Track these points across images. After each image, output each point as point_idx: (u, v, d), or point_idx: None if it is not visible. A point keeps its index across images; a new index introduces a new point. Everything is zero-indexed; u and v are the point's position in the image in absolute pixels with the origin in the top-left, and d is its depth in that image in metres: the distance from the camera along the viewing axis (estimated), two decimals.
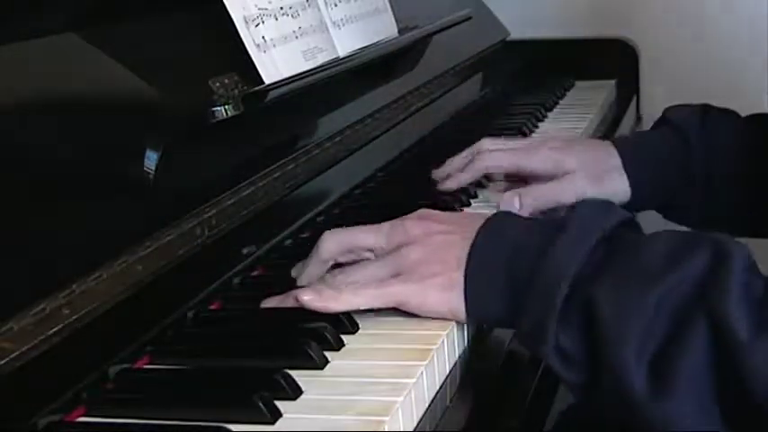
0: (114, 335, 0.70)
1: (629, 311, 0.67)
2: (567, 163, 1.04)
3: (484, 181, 1.12)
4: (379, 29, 1.22)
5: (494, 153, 1.07)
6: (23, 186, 0.69)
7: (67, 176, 0.73)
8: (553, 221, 0.75)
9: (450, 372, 0.74)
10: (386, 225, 0.81)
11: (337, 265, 0.83)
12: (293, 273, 0.84)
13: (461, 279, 0.74)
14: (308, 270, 0.82)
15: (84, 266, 0.68)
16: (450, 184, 1.07)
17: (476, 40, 1.58)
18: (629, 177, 1.05)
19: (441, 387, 0.71)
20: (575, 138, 1.18)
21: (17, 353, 0.61)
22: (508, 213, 0.81)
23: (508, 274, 0.73)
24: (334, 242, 0.82)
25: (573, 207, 0.75)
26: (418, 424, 0.67)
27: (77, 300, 0.66)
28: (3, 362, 0.60)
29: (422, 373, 0.69)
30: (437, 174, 1.10)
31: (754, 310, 0.65)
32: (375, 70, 1.18)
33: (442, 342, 0.73)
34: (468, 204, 1.06)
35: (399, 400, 0.65)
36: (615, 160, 1.06)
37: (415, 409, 0.67)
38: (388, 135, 1.18)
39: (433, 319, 0.76)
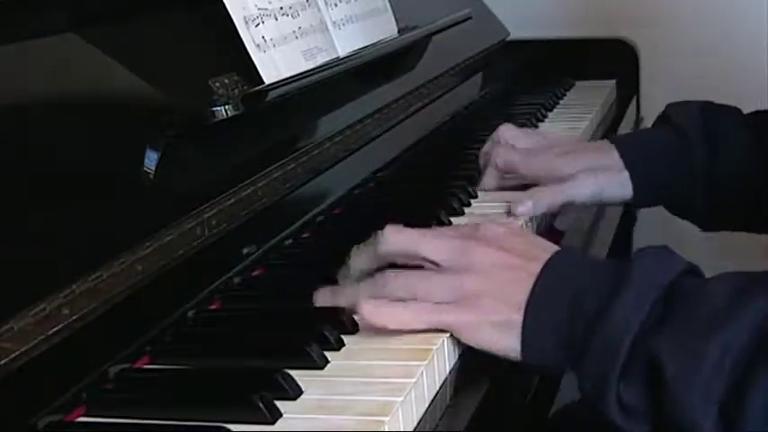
0: (114, 335, 0.70)
1: (693, 361, 0.65)
2: (566, 167, 1.06)
3: None
4: (379, 29, 1.22)
5: (503, 151, 1.10)
6: (23, 186, 0.69)
7: (67, 176, 0.73)
8: (617, 269, 0.72)
9: (450, 371, 0.74)
10: (455, 243, 0.77)
11: None
12: (349, 261, 0.81)
13: (520, 322, 0.72)
14: (359, 262, 0.80)
15: (85, 266, 0.68)
16: (482, 185, 1.11)
17: (476, 40, 1.58)
18: (631, 175, 1.07)
19: (441, 387, 0.71)
20: (577, 141, 1.19)
21: (17, 353, 0.61)
22: (571, 252, 0.78)
23: (568, 325, 0.71)
24: (396, 244, 0.78)
25: (635, 255, 0.72)
26: (418, 424, 0.67)
27: (77, 300, 0.66)
28: (3, 362, 0.60)
29: (422, 373, 0.69)
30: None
31: None
32: (375, 70, 1.18)
33: (443, 342, 0.73)
34: (468, 204, 1.06)
35: (399, 400, 0.65)
36: (616, 159, 1.07)
37: (415, 409, 0.67)
38: (388, 135, 1.18)
39: None
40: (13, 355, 0.61)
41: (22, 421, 0.61)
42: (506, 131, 1.13)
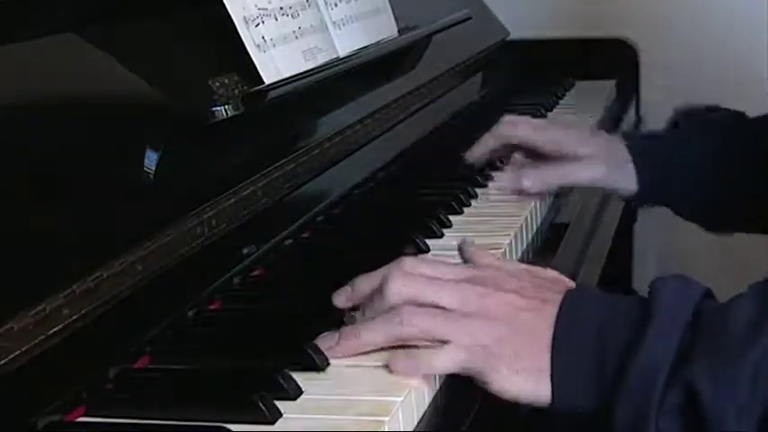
0: (114, 335, 0.70)
1: (727, 385, 0.65)
2: (577, 146, 1.07)
3: (482, 181, 1.13)
4: (379, 29, 1.22)
5: (512, 121, 1.12)
6: (24, 186, 0.69)
7: (67, 176, 0.73)
8: (638, 305, 0.71)
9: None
10: (467, 289, 0.73)
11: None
12: (339, 300, 0.76)
13: (547, 368, 0.70)
14: (368, 312, 0.74)
15: (84, 266, 0.68)
16: (476, 151, 1.12)
17: (476, 40, 1.58)
18: (636, 174, 1.07)
19: (441, 386, 0.71)
20: (591, 127, 1.20)
21: (17, 353, 0.61)
22: (582, 290, 0.76)
23: (597, 366, 0.70)
24: (404, 295, 0.73)
25: (651, 287, 0.71)
26: (418, 424, 0.67)
27: (77, 300, 0.66)
28: (3, 362, 0.60)
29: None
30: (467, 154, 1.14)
31: None
32: (375, 70, 1.18)
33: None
34: (468, 204, 1.07)
35: (399, 400, 0.65)
36: (626, 154, 1.08)
37: (416, 409, 0.67)
38: (388, 135, 1.18)
39: None
40: (13, 355, 0.61)
41: (22, 421, 0.61)
42: (509, 116, 1.14)
